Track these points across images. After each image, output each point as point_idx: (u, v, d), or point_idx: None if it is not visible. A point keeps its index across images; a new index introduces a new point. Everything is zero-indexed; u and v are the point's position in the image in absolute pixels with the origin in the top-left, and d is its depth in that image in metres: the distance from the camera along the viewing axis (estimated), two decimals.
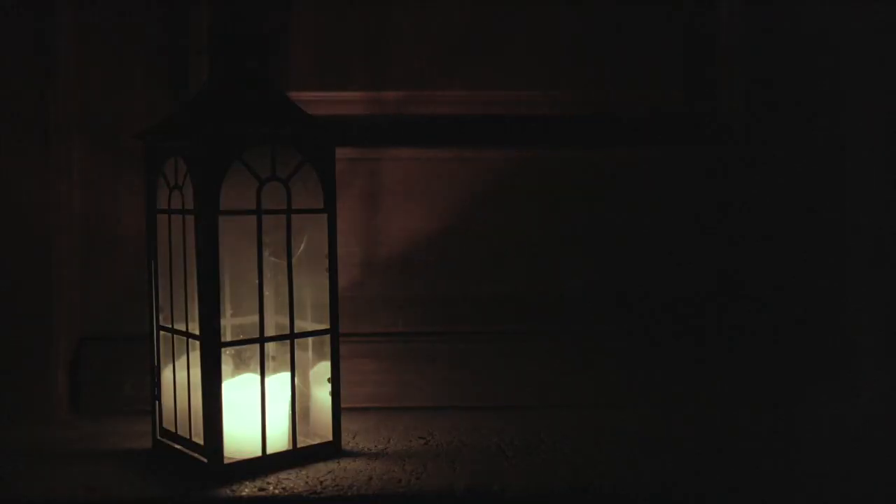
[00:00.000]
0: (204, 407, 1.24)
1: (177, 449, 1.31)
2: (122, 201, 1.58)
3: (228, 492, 1.19)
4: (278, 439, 1.30)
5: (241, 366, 1.33)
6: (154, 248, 1.34)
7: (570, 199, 1.63)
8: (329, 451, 1.33)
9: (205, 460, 1.25)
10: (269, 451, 1.28)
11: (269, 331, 1.34)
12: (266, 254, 1.30)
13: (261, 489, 1.20)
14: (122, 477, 1.25)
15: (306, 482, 1.23)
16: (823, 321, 1.63)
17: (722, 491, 1.21)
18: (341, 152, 1.54)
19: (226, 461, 1.24)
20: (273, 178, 1.28)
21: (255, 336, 1.29)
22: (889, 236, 1.58)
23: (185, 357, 1.30)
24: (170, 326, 1.32)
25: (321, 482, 1.23)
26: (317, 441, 1.34)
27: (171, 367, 1.33)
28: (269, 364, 1.33)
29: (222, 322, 1.28)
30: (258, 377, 1.28)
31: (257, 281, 1.28)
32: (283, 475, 1.25)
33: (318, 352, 1.37)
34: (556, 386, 1.61)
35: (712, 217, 1.63)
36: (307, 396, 1.38)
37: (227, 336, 1.32)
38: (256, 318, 1.29)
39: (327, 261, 1.33)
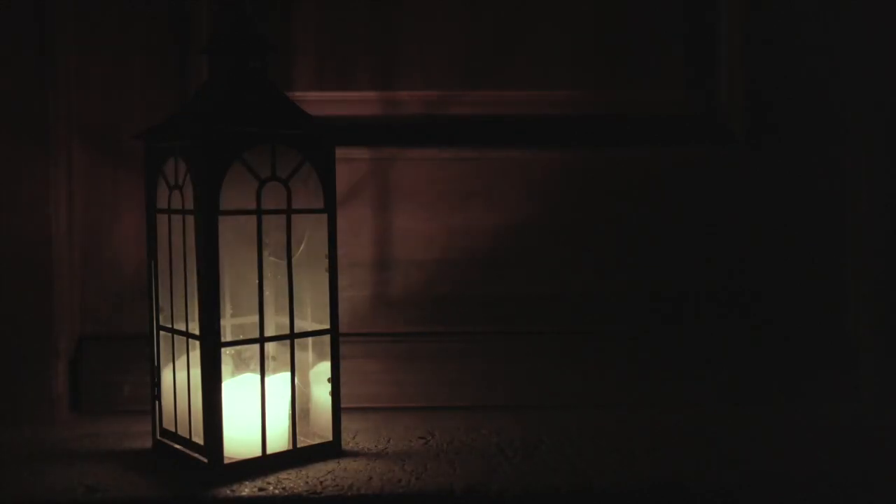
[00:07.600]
0: (204, 407, 1.24)
1: (177, 449, 1.31)
2: (121, 201, 1.58)
3: (228, 492, 1.19)
4: (278, 439, 1.30)
5: (241, 366, 1.33)
6: (154, 248, 1.34)
7: (570, 198, 1.63)
8: (329, 451, 1.33)
9: (205, 460, 1.25)
10: (269, 451, 1.28)
11: (269, 331, 1.34)
12: (266, 254, 1.30)
13: (261, 489, 1.20)
14: (122, 477, 1.25)
15: (306, 482, 1.23)
16: (823, 320, 1.63)
17: (724, 491, 1.21)
18: (348, 152, 1.55)
19: (226, 461, 1.24)
20: (273, 178, 1.28)
21: (255, 336, 1.28)
22: (890, 235, 1.58)
23: (185, 357, 1.30)
24: (170, 326, 1.32)
25: (321, 482, 1.23)
26: (317, 441, 1.34)
27: (171, 367, 1.33)
28: (269, 364, 1.33)
29: (222, 322, 1.28)
30: (258, 377, 1.28)
31: (257, 281, 1.28)
32: (283, 475, 1.25)
33: (318, 352, 1.37)
34: (556, 386, 1.60)
35: (713, 217, 1.63)
36: (307, 396, 1.38)
37: (227, 336, 1.32)
38: (256, 318, 1.28)
39: (327, 261, 1.33)
